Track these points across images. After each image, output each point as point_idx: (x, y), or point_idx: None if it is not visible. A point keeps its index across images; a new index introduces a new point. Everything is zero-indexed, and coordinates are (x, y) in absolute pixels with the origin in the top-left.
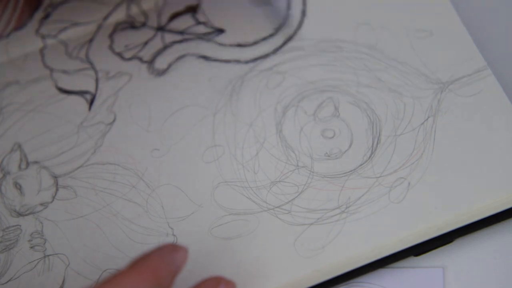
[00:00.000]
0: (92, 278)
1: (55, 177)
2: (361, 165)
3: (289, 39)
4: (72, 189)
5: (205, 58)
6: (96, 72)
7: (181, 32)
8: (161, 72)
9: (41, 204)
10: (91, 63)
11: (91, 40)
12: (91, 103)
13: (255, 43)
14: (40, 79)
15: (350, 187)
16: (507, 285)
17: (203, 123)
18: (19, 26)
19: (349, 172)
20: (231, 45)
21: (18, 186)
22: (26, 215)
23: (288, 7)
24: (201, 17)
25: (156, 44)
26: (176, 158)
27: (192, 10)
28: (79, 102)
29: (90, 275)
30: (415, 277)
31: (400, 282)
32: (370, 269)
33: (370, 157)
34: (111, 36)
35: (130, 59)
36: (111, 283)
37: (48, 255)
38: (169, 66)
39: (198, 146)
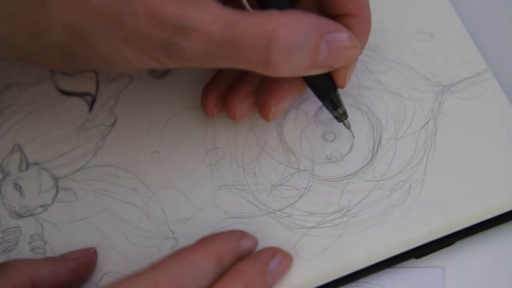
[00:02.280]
0: (92, 281)
1: (56, 179)
2: (361, 168)
3: None
4: (73, 191)
5: None
6: (96, 73)
7: None
8: (162, 75)
9: (41, 206)
10: None
11: None
12: (91, 105)
13: None
14: (40, 80)
15: (350, 191)
16: (507, 286)
17: (204, 125)
18: None
19: (349, 175)
20: None
21: (18, 188)
22: (26, 216)
23: None
24: None
25: None
26: (177, 160)
27: None
28: (80, 104)
29: (90, 278)
30: (415, 277)
31: (400, 282)
32: (370, 272)
33: (370, 160)
34: None
35: None
36: (178, 257)
37: None
38: (170, 68)
39: (199, 149)
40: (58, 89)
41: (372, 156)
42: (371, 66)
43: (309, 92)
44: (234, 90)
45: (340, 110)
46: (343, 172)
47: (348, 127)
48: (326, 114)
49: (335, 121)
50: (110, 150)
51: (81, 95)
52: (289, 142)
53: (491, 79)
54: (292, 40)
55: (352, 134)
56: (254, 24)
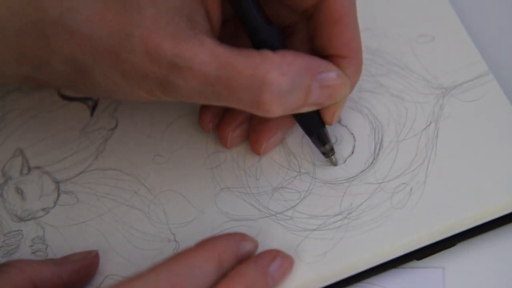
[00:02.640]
0: (94, 283)
1: (57, 183)
2: (363, 171)
3: None
4: (74, 194)
5: None
6: None
7: None
8: None
9: (43, 209)
10: None
11: None
12: (93, 109)
13: None
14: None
15: (352, 193)
16: (507, 286)
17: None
18: None
19: (351, 178)
20: None
21: (19, 191)
22: (27, 220)
23: None
24: None
25: None
26: (178, 164)
27: None
28: (81, 108)
29: (92, 280)
30: (415, 278)
31: (400, 282)
32: (372, 273)
33: (372, 163)
34: None
35: None
36: (178, 259)
37: None
38: None
39: (200, 153)
40: (59, 95)
41: (374, 159)
42: (371, 69)
43: None
44: (227, 118)
45: (327, 146)
46: (345, 174)
47: (335, 164)
48: None
49: (336, 124)
50: (112, 153)
51: (83, 100)
52: (290, 145)
53: (492, 81)
54: (285, 84)
55: (354, 137)
56: (248, 66)
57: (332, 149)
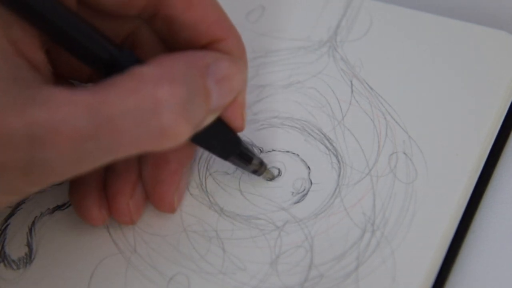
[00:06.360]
0: None
1: None
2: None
3: None
4: None
5: None
6: None
7: None
8: None
9: None
10: None
11: None
12: None
13: None
14: None
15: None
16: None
17: None
18: None
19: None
20: None
21: None
22: None
23: None
24: None
25: None
26: None
27: None
28: None
29: None
30: None
31: None
32: None
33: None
34: None
35: None
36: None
37: None
38: None
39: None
40: None
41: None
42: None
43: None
44: (114, 187)
45: (255, 161)
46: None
47: (272, 178)
48: None
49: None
50: None
51: None
52: (243, 211)
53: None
54: (181, 92)
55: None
56: (126, 93)
57: (262, 162)
